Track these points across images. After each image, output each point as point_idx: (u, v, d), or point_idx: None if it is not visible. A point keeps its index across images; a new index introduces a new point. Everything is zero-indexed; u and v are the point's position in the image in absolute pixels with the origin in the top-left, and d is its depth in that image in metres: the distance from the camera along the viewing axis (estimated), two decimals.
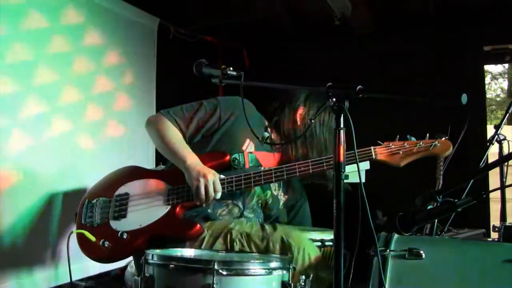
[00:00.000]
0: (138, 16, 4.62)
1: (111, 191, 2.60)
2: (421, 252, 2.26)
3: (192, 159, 2.50)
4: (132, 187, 2.59)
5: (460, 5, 4.68)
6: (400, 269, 2.26)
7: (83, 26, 4.07)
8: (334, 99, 1.89)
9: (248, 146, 2.65)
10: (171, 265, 1.96)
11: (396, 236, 2.39)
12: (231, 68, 2.23)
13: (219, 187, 2.44)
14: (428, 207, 2.43)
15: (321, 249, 2.55)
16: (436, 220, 2.94)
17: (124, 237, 2.44)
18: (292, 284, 1.98)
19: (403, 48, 4.89)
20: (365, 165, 3.69)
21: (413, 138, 2.59)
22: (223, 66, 2.27)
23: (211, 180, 2.42)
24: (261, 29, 5.34)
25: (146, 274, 1.98)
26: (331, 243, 2.66)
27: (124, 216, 2.52)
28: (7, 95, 3.44)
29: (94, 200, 2.59)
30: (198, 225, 2.44)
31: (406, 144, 2.56)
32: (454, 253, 2.35)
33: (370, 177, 3.51)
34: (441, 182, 3.60)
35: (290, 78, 2.18)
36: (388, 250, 2.29)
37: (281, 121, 2.75)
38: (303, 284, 2.00)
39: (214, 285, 1.85)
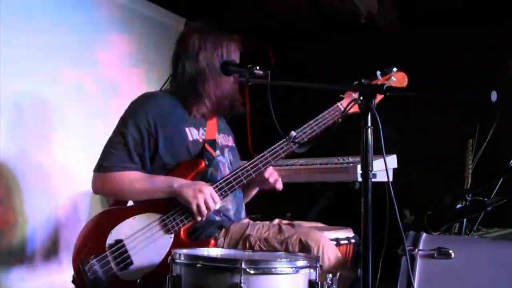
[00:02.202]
0: (164, 16, 4.64)
1: (101, 245, 2.39)
2: (450, 251, 2.23)
3: (176, 181, 2.40)
4: (121, 232, 2.39)
5: None
6: (429, 268, 2.24)
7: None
8: (361, 98, 1.88)
9: (192, 133, 2.55)
10: (198, 265, 1.95)
11: (424, 235, 2.37)
12: (258, 68, 2.22)
13: (217, 197, 2.38)
14: (457, 206, 2.42)
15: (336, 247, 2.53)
16: (465, 219, 2.92)
17: (143, 283, 2.31)
18: (319, 282, 1.97)
19: (430, 45, 4.84)
20: (392, 164, 3.68)
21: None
22: (250, 66, 2.27)
23: (209, 193, 2.35)
24: (286, 28, 5.33)
25: (173, 274, 1.99)
26: (346, 242, 2.67)
27: (132, 263, 2.35)
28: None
29: (88, 262, 2.38)
30: (212, 240, 2.38)
31: None
32: (484, 253, 2.33)
33: (398, 175, 3.49)
34: (470, 180, 3.57)
35: (315, 77, 2.17)
36: (416, 250, 2.27)
37: None
38: (330, 282, 1.99)
39: (242, 284, 1.84)
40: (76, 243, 2.47)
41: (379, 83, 2.51)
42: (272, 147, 2.49)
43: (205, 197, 2.34)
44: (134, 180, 2.45)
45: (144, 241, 2.37)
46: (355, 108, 2.17)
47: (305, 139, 2.49)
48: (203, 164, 2.48)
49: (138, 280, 2.33)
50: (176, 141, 2.51)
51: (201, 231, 2.49)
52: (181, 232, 2.39)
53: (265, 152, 2.49)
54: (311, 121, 2.52)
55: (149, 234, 2.38)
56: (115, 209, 2.53)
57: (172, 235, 2.38)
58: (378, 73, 2.58)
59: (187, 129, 2.54)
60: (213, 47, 2.57)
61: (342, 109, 2.41)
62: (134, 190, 2.46)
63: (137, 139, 2.47)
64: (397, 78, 2.59)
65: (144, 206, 2.45)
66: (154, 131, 2.48)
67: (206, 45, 2.57)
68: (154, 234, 2.38)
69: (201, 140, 2.55)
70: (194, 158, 2.51)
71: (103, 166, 2.48)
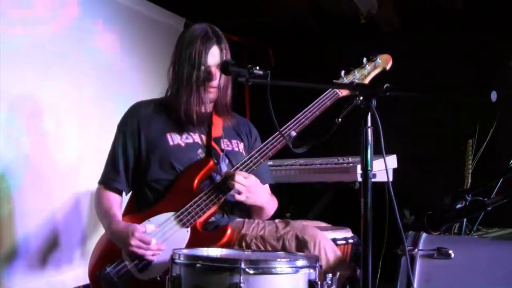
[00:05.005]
0: (164, 16, 4.63)
1: (116, 252, 2.40)
2: (450, 251, 2.23)
3: (111, 226, 2.44)
4: None
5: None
6: (428, 268, 2.23)
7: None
8: (361, 98, 1.88)
9: (173, 137, 2.54)
10: (198, 265, 1.95)
11: (424, 235, 2.37)
12: (257, 68, 2.22)
13: (146, 237, 2.33)
14: (457, 206, 2.41)
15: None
16: (465, 219, 2.91)
17: (163, 279, 2.21)
18: (319, 282, 1.97)
19: (430, 45, 4.84)
20: (392, 164, 3.68)
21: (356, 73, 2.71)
22: (250, 66, 2.27)
23: (137, 237, 2.32)
24: (286, 28, 5.34)
25: (173, 274, 1.99)
26: (343, 242, 2.67)
27: (150, 263, 2.36)
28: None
29: (105, 268, 2.40)
30: (229, 228, 2.38)
31: (356, 73, 2.69)
32: (484, 253, 2.32)
33: (398, 175, 3.49)
34: (470, 180, 3.56)
35: (315, 77, 2.18)
36: (416, 250, 2.27)
37: None
38: (329, 282, 1.99)
39: (241, 284, 1.84)
40: (92, 252, 2.54)
41: (367, 66, 2.71)
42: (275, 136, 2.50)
43: (136, 242, 2.31)
44: (104, 208, 2.53)
45: (160, 238, 2.38)
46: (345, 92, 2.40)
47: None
48: (211, 162, 2.49)
49: (158, 277, 2.28)
50: (158, 146, 2.52)
51: (216, 224, 2.50)
52: (197, 225, 2.40)
53: (272, 139, 2.50)
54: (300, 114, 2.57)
55: (165, 231, 2.39)
56: (131, 216, 2.53)
57: (189, 229, 2.39)
58: (364, 59, 2.71)
59: (168, 135, 2.54)
60: (185, 56, 2.54)
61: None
62: (98, 213, 2.59)
63: (125, 151, 2.55)
64: (382, 60, 2.74)
65: (157, 208, 2.46)
66: (137, 140, 2.53)
67: (181, 54, 2.56)
68: (170, 230, 2.40)
69: (183, 145, 2.53)
70: (205, 158, 2.52)
71: (99, 180, 2.62)
